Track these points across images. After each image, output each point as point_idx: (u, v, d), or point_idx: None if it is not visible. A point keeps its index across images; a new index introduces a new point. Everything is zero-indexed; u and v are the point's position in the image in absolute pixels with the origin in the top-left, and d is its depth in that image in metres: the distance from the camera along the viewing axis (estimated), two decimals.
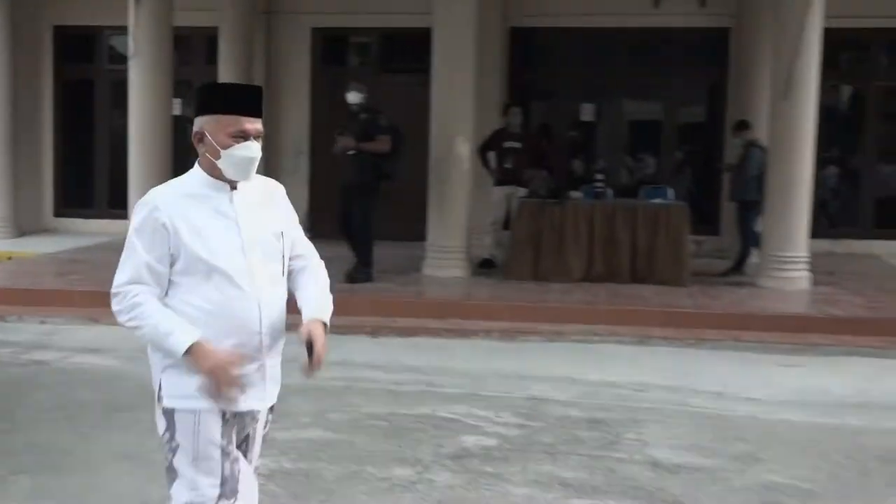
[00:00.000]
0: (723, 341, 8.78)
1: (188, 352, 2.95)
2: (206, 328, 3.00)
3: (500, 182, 11.34)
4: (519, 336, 8.57)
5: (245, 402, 3.09)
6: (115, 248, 11.36)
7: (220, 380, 2.96)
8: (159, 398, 3.11)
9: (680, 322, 9.20)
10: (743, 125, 11.73)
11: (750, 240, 11.35)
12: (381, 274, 10.50)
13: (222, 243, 3.06)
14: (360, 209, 10.11)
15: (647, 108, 14.81)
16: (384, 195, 10.23)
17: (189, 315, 3.02)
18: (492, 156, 11.32)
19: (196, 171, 3.16)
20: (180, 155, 12.30)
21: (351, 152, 10.02)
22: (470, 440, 5.83)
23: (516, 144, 11.21)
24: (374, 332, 8.91)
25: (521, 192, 11.06)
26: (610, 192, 11.23)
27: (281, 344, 3.19)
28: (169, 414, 3.10)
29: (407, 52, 13.14)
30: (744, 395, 7.18)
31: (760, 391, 7.31)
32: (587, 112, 14.51)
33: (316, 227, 10.71)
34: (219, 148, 3.05)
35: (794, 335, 8.99)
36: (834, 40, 12.29)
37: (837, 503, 5.10)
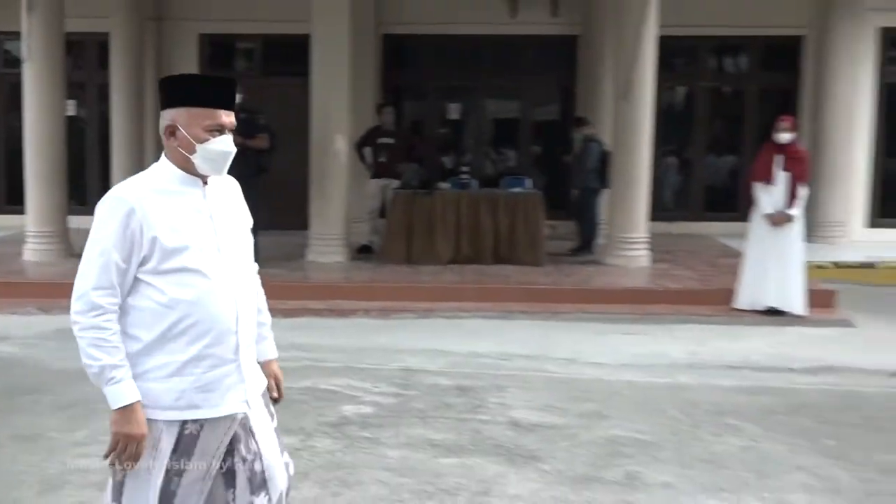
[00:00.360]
0: (574, 314, 8.95)
1: (122, 408, 2.60)
2: (179, 328, 2.66)
3: (375, 175, 11.34)
4: (394, 314, 8.60)
5: (224, 407, 2.73)
6: (10, 242, 10.81)
7: (129, 449, 2.61)
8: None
9: (537, 298, 9.35)
10: (581, 121, 12.00)
11: (593, 223, 11.60)
12: (267, 261, 10.33)
13: (198, 241, 2.70)
14: (247, 200, 10.00)
15: (507, 108, 14.96)
16: (264, 187, 10.14)
17: (161, 315, 2.65)
18: (367, 151, 11.31)
19: (165, 166, 2.76)
20: (75, 153, 11.99)
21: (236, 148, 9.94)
22: (349, 409, 5.84)
23: (390, 140, 11.23)
24: None
25: (395, 183, 11.09)
26: (475, 182, 11.31)
27: (254, 341, 2.90)
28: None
29: (288, 56, 12.96)
30: (592, 361, 7.36)
31: (606, 356, 7.51)
32: (454, 111, 14.75)
33: None
34: (193, 142, 2.68)
35: (635, 306, 9.23)
36: (668, 47, 12.61)
37: (671, 452, 5.26)
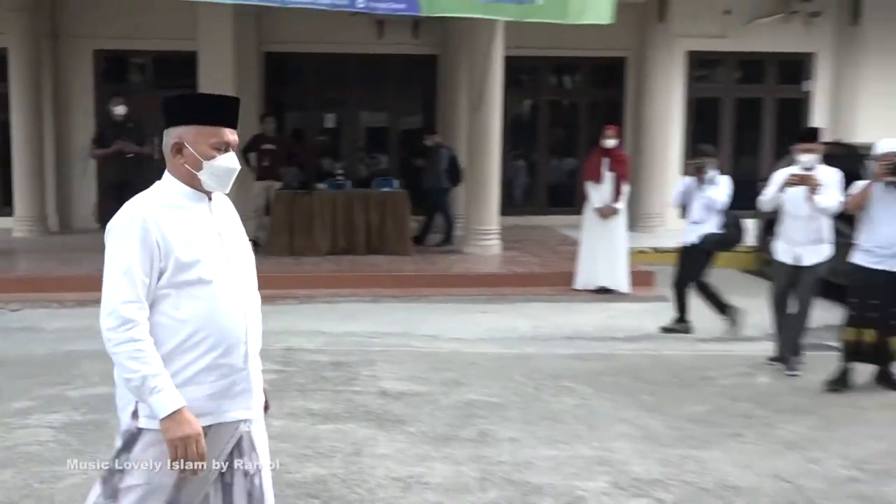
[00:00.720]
0: (437, 296, 9.02)
1: (170, 415, 2.36)
2: (194, 340, 2.45)
3: (260, 177, 11.15)
4: (278, 300, 8.47)
5: (231, 413, 2.54)
6: None
7: (189, 450, 2.38)
8: (134, 416, 2.48)
9: (405, 283, 9.38)
10: (430, 130, 12.16)
11: (447, 218, 11.61)
12: None
13: (209, 254, 2.49)
14: None
15: (376, 118, 14.91)
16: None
17: (176, 328, 2.44)
18: (252, 156, 11.09)
19: (171, 182, 2.54)
20: None
21: (130, 154, 9.71)
22: None
23: (272, 146, 11.07)
24: None
25: (278, 185, 10.93)
26: (349, 183, 11.24)
27: (258, 351, 2.67)
28: (134, 435, 2.48)
29: (178, 71, 12.54)
30: (452, 336, 7.45)
31: (465, 332, 7.62)
32: (330, 120, 14.68)
33: (103, 219, 10.10)
34: (200, 159, 2.48)
35: (489, 289, 9.39)
36: (515, 66, 12.88)
37: (517, 411, 5.39)
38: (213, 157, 2.48)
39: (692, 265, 7.51)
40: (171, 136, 2.52)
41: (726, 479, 4.36)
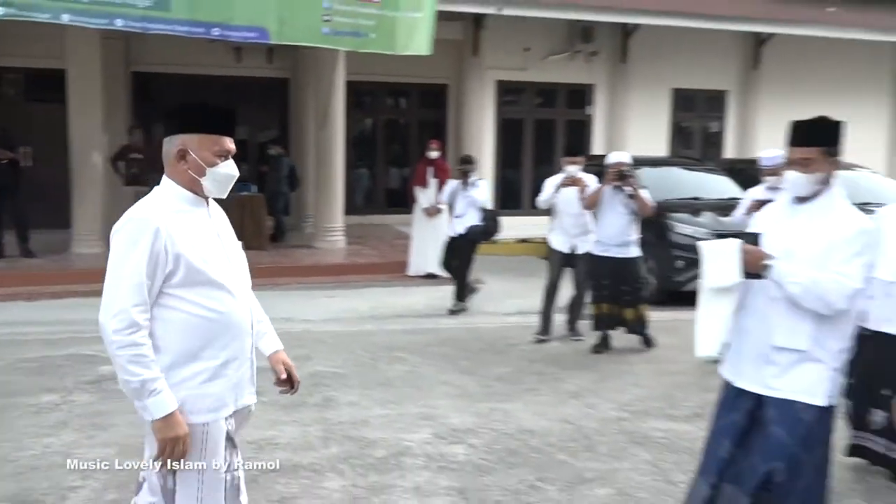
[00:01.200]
0: (291, 285, 8.84)
1: (165, 416, 2.17)
2: (205, 335, 2.24)
3: (128, 183, 10.44)
4: None
5: (242, 399, 2.37)
6: None
7: (177, 450, 2.19)
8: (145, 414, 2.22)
9: (262, 274, 8.96)
10: (274, 142, 11.91)
11: (281, 219, 11.31)
12: (38, 252, 9.31)
13: (213, 255, 2.28)
14: (14, 203, 9.10)
15: (238, 131, 14.34)
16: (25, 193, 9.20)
17: (194, 327, 2.22)
18: (121, 164, 10.40)
19: (172, 188, 2.29)
20: None
21: (4, 161, 8.90)
22: (105, 369, 5.33)
23: (139, 155, 10.39)
24: (30, 297, 7.88)
25: (146, 190, 10.22)
26: None
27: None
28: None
29: (50, 86, 11.47)
30: (303, 318, 7.30)
31: (314, 314, 7.50)
32: None
33: None
34: (204, 165, 2.26)
35: (336, 277, 9.30)
36: (356, 89, 12.79)
37: (357, 379, 5.36)
38: (216, 164, 2.28)
39: (463, 251, 7.75)
40: (175, 143, 2.27)
41: (524, 425, 4.54)
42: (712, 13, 12.76)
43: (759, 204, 5.20)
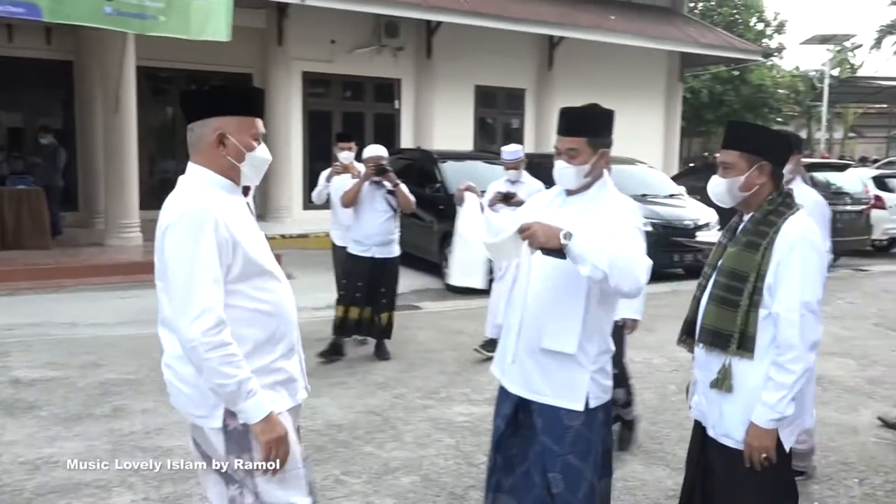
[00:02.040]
0: (77, 287, 8.11)
1: (265, 418, 1.96)
2: (265, 329, 2.03)
3: None
4: None
5: (298, 394, 2.15)
6: None
7: (282, 449, 1.99)
8: (232, 415, 1.99)
9: (43, 276, 8.25)
10: (45, 128, 10.79)
11: (57, 215, 10.29)
12: None
13: (260, 243, 2.07)
14: None
15: (15, 118, 12.85)
16: None
17: (256, 320, 2.01)
18: None
19: (207, 176, 2.03)
20: None
21: None
22: None
23: None
24: None
25: None
26: None
27: None
28: (243, 435, 2.00)
29: None
30: (92, 322, 6.73)
31: (105, 317, 6.93)
32: None
33: None
34: (244, 150, 2.02)
35: (131, 276, 8.59)
36: (152, 75, 11.98)
37: (152, 385, 4.95)
38: (254, 149, 2.05)
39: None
40: (210, 127, 2.01)
41: (331, 419, 4.46)
42: (508, 15, 13.38)
43: (502, 196, 5.42)
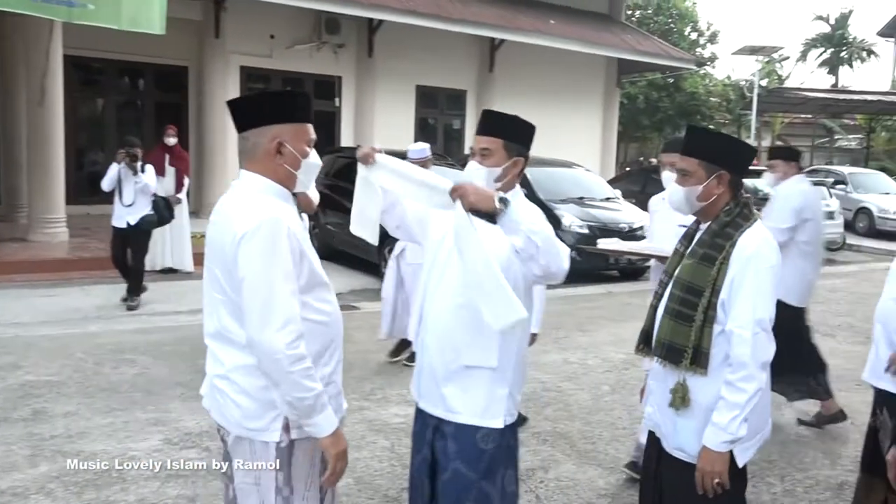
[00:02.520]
0: None
1: (334, 431, 1.97)
2: (322, 341, 2.03)
3: None
4: None
5: (343, 406, 2.15)
6: None
7: (343, 464, 2.01)
8: (285, 429, 1.98)
9: None
10: None
11: None
12: None
13: (315, 255, 2.04)
14: None
15: None
16: None
17: (315, 332, 1.99)
18: None
19: (267, 183, 1.99)
20: None
21: None
22: None
23: None
24: None
25: None
26: None
27: None
28: (286, 450, 2.00)
29: None
30: (12, 322, 6.43)
31: (26, 316, 6.63)
32: None
33: None
34: (300, 157, 2.01)
35: (55, 273, 8.30)
36: (81, 65, 11.55)
37: (76, 387, 4.81)
38: (308, 155, 2.04)
39: (137, 244, 7.29)
40: (267, 135, 1.98)
41: None
42: (448, 16, 13.41)
43: None
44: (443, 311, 2.34)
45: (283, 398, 1.92)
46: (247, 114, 2.03)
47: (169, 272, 8.68)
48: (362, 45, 14.08)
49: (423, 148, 5.76)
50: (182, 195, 8.64)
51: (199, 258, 8.96)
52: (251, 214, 1.91)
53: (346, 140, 13.78)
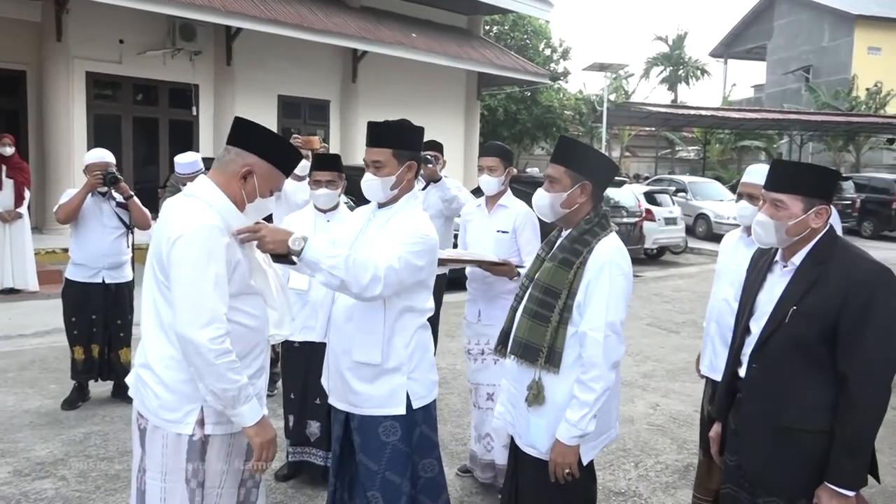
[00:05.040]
0: None
1: (259, 421, 2.09)
2: (250, 346, 2.17)
3: None
4: None
5: (263, 410, 2.15)
6: None
7: (268, 452, 2.11)
8: (200, 424, 2.08)
9: None
10: None
11: None
12: None
13: (251, 264, 2.20)
14: None
15: None
16: None
17: (241, 336, 2.13)
18: None
19: (221, 198, 2.13)
20: None
21: None
22: None
23: None
24: None
25: None
26: None
27: None
28: (198, 444, 2.10)
29: None
30: None
31: None
32: None
33: None
34: (258, 196, 2.21)
35: None
36: None
37: None
38: (266, 197, 2.19)
39: None
40: (244, 159, 2.14)
41: (126, 446, 4.18)
42: (309, 25, 13.33)
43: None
44: (340, 311, 2.51)
45: (208, 389, 2.02)
46: (241, 133, 2.18)
47: (10, 293, 8.04)
48: (220, 53, 13.69)
49: (194, 160, 5.28)
50: (23, 209, 8.06)
51: (45, 276, 8.38)
52: (190, 218, 2.04)
53: (204, 150, 13.32)
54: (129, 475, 3.79)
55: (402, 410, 2.46)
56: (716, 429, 2.51)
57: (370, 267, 2.29)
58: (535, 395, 2.39)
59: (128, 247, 4.94)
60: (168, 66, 13.08)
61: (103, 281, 4.81)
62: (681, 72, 44.00)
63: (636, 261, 12.98)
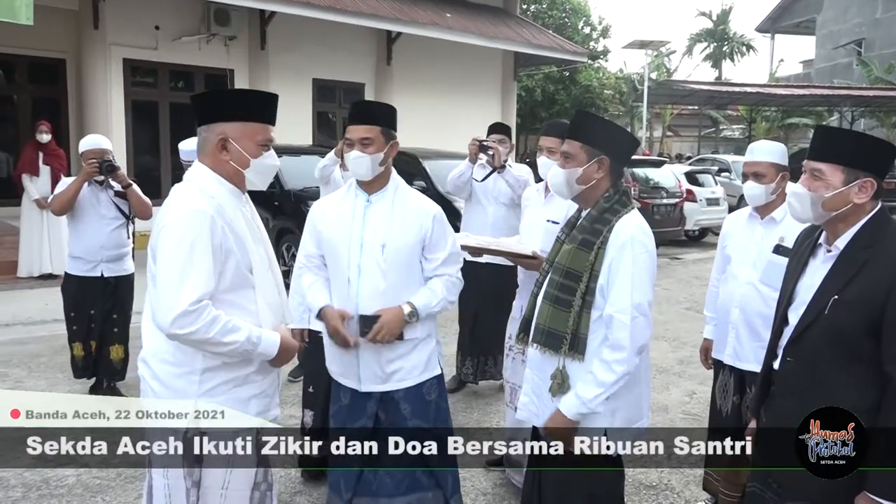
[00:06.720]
0: None
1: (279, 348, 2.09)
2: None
3: None
4: None
5: (270, 411, 2.19)
6: None
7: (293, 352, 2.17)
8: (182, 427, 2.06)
9: None
10: None
11: None
12: None
13: (255, 253, 2.10)
14: None
15: None
16: None
17: None
18: None
19: (211, 178, 2.07)
20: None
21: None
22: None
23: None
24: None
25: None
26: None
27: None
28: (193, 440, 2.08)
29: None
30: None
31: None
32: None
33: None
34: (248, 157, 2.06)
35: None
36: None
37: None
38: (260, 156, 2.08)
39: None
40: (214, 132, 2.07)
41: None
42: (343, 7, 13.23)
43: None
44: (374, 300, 2.58)
45: (218, 354, 2.03)
46: (200, 110, 2.12)
47: (48, 278, 8.16)
48: (254, 38, 13.68)
49: (194, 150, 5.11)
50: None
51: None
52: (177, 206, 2.00)
53: None
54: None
55: (438, 370, 2.69)
56: (752, 425, 2.35)
57: (454, 280, 2.66)
58: (560, 385, 2.28)
59: (128, 237, 4.72)
60: (203, 52, 13.12)
61: (102, 275, 4.62)
62: (725, 48, 42.85)
63: (676, 242, 12.66)
